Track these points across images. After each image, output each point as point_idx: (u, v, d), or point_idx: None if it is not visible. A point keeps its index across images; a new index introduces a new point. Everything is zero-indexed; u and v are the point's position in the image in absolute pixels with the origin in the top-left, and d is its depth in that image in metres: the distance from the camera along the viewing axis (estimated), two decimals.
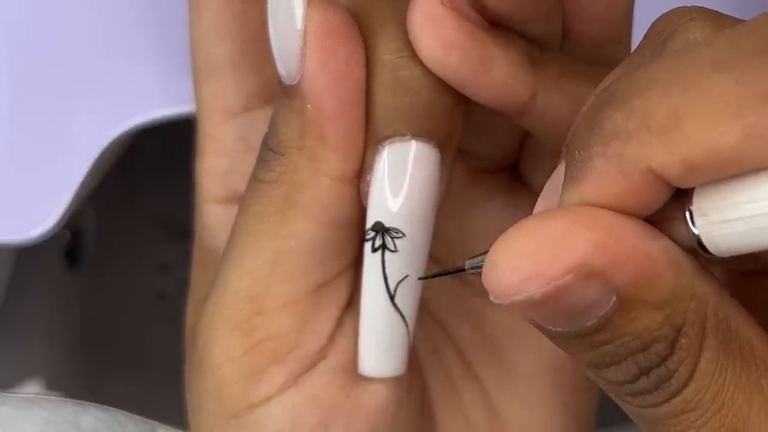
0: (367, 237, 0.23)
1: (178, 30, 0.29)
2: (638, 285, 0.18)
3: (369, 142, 0.23)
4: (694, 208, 0.18)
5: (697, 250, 0.19)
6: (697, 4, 0.21)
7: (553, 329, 0.19)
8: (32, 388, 0.43)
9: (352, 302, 0.25)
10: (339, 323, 0.25)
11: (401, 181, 0.23)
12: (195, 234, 0.29)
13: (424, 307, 0.28)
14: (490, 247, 0.19)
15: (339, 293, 0.25)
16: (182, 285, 0.31)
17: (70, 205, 0.34)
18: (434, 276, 0.24)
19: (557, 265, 0.18)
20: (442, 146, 0.23)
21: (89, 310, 0.48)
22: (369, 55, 0.23)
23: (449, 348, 0.28)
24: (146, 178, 0.50)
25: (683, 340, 0.18)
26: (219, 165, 0.28)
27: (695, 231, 0.18)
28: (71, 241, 0.47)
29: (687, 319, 0.18)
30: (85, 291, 0.48)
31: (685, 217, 0.19)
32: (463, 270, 0.22)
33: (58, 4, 0.36)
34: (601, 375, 0.20)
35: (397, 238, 0.23)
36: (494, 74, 0.23)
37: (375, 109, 0.23)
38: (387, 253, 0.24)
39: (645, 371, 0.19)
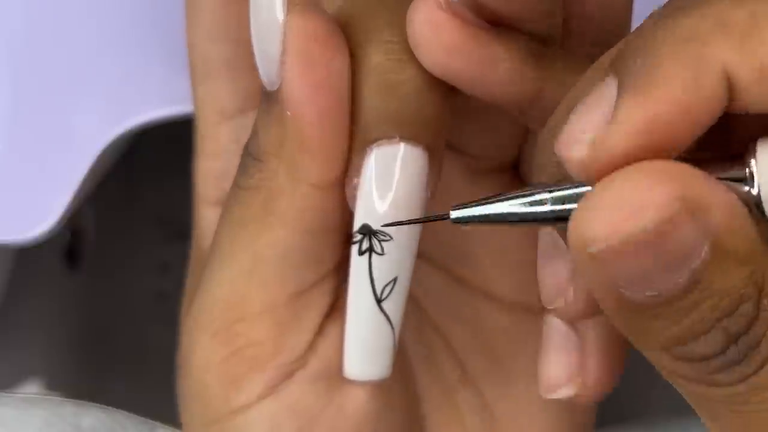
0: (354, 240, 0.23)
1: (179, 30, 0.29)
2: (729, 231, 0.18)
3: (356, 144, 0.23)
4: (756, 169, 0.18)
5: (754, 211, 0.18)
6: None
7: (641, 297, 0.18)
8: (32, 389, 0.43)
9: (333, 309, 0.25)
10: (320, 331, 0.25)
11: (389, 184, 0.23)
12: (192, 236, 0.29)
13: (420, 310, 0.28)
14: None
15: (319, 301, 0.25)
16: (182, 285, 0.31)
17: (70, 204, 0.34)
18: (409, 222, 0.23)
19: (662, 194, 0.17)
20: (430, 149, 0.23)
21: (89, 310, 0.48)
22: (357, 59, 0.23)
23: (445, 352, 0.28)
24: (146, 177, 0.50)
25: (765, 301, 0.18)
26: (214, 167, 0.28)
27: (754, 192, 0.18)
28: (71, 240, 0.47)
29: (766, 277, 0.18)
30: (84, 291, 0.48)
31: (745, 177, 0.18)
32: (446, 218, 0.21)
33: (59, 4, 0.36)
34: (684, 353, 0.19)
35: (384, 241, 0.23)
36: (499, 73, 0.23)
37: (363, 112, 0.23)
38: (374, 256, 0.23)
39: (734, 338, 0.18)
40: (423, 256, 0.25)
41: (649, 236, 0.17)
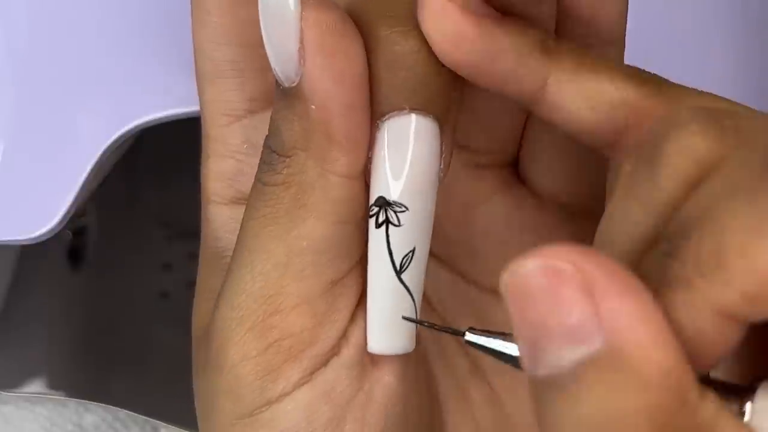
0: (371, 213, 0.23)
1: (181, 30, 0.30)
2: (636, 342, 0.18)
3: (371, 119, 0.23)
4: (755, 408, 0.19)
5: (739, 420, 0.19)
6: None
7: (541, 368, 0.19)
8: (35, 388, 0.43)
9: (363, 296, 0.25)
10: (352, 318, 0.25)
11: (402, 155, 0.23)
12: (201, 236, 0.29)
13: (429, 304, 0.28)
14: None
15: (351, 289, 0.25)
16: (185, 284, 0.31)
17: (73, 204, 0.34)
18: (429, 326, 0.24)
19: (555, 254, 0.18)
20: (440, 119, 0.23)
21: (92, 309, 0.48)
22: (366, 36, 0.23)
23: (456, 346, 0.28)
24: (148, 177, 0.50)
25: None
26: (225, 167, 0.28)
27: (746, 420, 0.19)
28: (74, 240, 0.47)
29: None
30: (87, 290, 0.48)
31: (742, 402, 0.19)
32: (462, 335, 0.22)
33: (61, 5, 0.36)
34: None
35: (400, 212, 0.23)
36: (502, 64, 0.23)
37: (373, 86, 0.23)
38: (391, 228, 0.23)
39: None
40: (431, 252, 0.25)
41: (523, 276, 0.18)
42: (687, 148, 0.20)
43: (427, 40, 0.23)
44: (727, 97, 0.22)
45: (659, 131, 0.21)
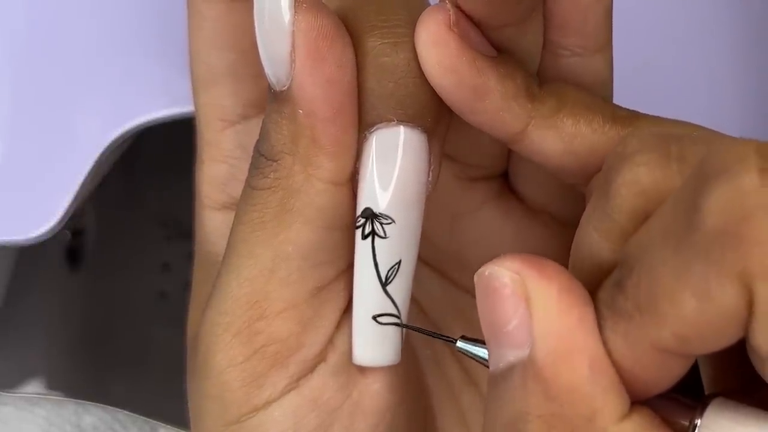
0: (357, 224, 0.23)
1: (179, 31, 0.30)
2: (549, 357, 0.19)
3: (359, 130, 0.23)
4: (702, 424, 0.19)
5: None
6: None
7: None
8: (33, 388, 0.43)
9: (350, 304, 0.25)
10: (339, 325, 0.25)
11: (390, 167, 0.23)
12: (195, 240, 0.29)
13: (421, 311, 0.28)
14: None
15: (338, 295, 0.25)
16: (183, 285, 0.31)
17: (72, 204, 0.34)
18: (424, 332, 0.24)
19: (511, 261, 0.20)
20: (429, 131, 0.23)
21: (90, 309, 0.48)
22: (356, 45, 0.23)
23: (447, 353, 0.28)
24: (147, 177, 0.50)
25: None
26: (219, 172, 0.28)
27: None
28: (72, 240, 0.47)
29: None
30: (86, 291, 0.48)
31: (692, 420, 0.20)
32: (454, 342, 0.23)
33: (60, 6, 0.36)
34: None
35: (386, 224, 0.23)
36: (487, 104, 0.23)
37: (362, 96, 0.23)
38: (377, 240, 0.23)
39: None
40: (422, 260, 0.25)
41: (485, 279, 0.20)
42: (632, 181, 0.21)
43: (420, 62, 0.22)
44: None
45: (612, 162, 0.21)
